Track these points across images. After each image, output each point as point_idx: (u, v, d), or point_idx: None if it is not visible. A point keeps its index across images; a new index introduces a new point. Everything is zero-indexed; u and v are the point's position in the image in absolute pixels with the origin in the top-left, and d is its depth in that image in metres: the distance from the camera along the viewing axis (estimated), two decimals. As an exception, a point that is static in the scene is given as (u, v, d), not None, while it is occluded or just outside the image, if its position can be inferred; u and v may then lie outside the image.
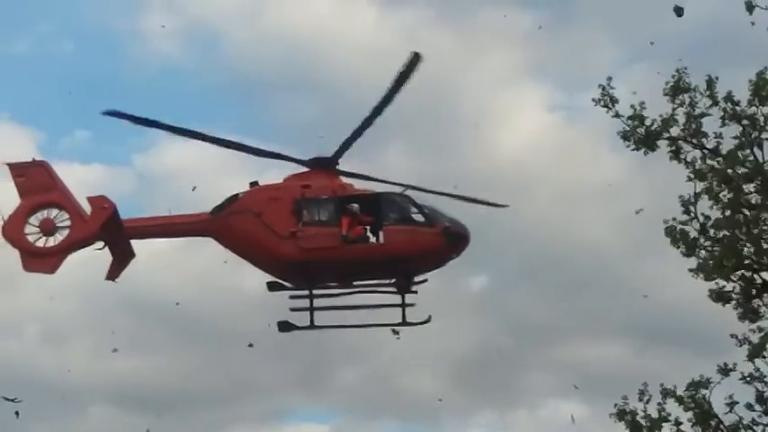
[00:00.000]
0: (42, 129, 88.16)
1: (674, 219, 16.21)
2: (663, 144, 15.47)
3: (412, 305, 28.94)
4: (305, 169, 29.75)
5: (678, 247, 15.77)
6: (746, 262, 15.64)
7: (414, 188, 29.35)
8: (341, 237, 28.43)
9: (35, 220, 29.37)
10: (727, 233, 15.45)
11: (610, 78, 15.48)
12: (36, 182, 29.60)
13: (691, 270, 15.71)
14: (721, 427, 15.54)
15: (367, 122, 28.96)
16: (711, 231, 15.77)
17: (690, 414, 15.57)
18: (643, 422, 15.69)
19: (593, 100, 16.00)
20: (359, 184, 29.96)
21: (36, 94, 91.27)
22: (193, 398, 59.60)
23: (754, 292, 15.75)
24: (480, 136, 67.49)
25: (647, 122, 15.27)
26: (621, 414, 15.54)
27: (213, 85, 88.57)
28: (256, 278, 30.33)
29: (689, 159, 15.35)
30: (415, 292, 28.97)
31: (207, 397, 59.15)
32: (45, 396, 60.48)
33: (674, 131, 15.35)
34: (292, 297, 29.14)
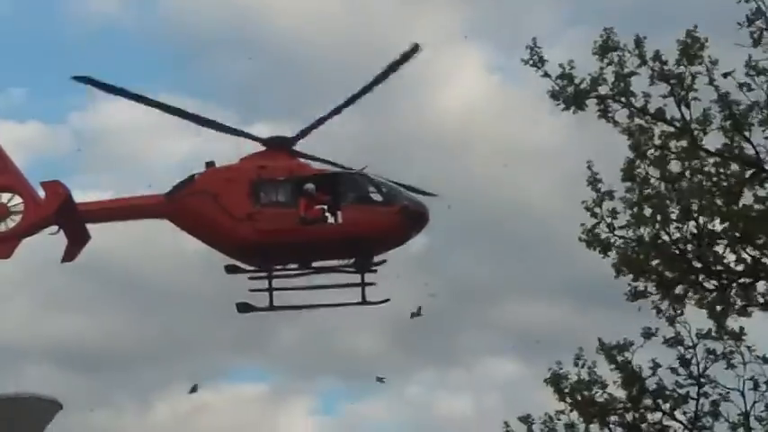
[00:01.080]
0: None
1: (582, 224, 16.55)
2: (591, 103, 15.51)
3: (372, 284, 29.12)
4: (261, 151, 29.90)
5: (595, 250, 16.08)
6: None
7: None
8: (298, 218, 28.53)
9: None
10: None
11: (535, 39, 15.70)
12: None
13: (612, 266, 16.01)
14: (645, 389, 15.81)
15: (339, 108, 29.22)
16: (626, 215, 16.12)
17: (616, 375, 15.73)
18: (572, 385, 15.85)
19: (522, 60, 15.97)
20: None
21: None
22: (130, 357, 59.51)
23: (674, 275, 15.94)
24: (422, 98, 66.87)
25: (577, 81, 15.39)
26: (555, 379, 15.75)
27: (152, 42, 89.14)
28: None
29: (617, 118, 15.51)
30: (375, 272, 29.07)
31: (144, 356, 59.78)
32: None
33: (603, 90, 15.58)
34: (251, 278, 29.19)
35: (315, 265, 29.78)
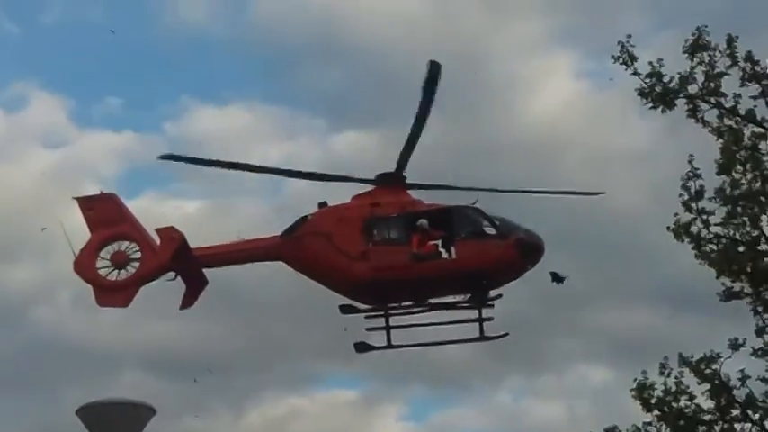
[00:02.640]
0: (73, 96, 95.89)
1: (675, 214, 16.91)
2: (680, 103, 15.62)
3: (490, 319, 29.25)
4: (370, 189, 30.23)
5: (683, 241, 16.10)
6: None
7: (489, 190, 30.06)
8: (412, 254, 28.81)
9: (106, 253, 30.14)
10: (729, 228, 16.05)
11: (629, 36, 15.76)
12: (105, 215, 30.44)
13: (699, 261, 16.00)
14: (735, 400, 15.70)
15: (416, 132, 29.40)
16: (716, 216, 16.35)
17: (705, 386, 15.66)
18: (659, 396, 15.79)
19: (612, 57, 16.34)
20: (427, 194, 30.42)
21: (66, 62, 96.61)
22: (226, 364, 59.59)
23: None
24: (510, 103, 72.62)
25: (666, 80, 15.50)
26: (641, 389, 15.80)
27: (241, 50, 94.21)
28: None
29: (706, 119, 15.53)
30: (492, 306, 29.21)
31: (239, 363, 60.71)
32: (79, 360, 64.70)
33: (693, 90, 15.61)
34: (367, 317, 29.51)
35: (430, 301, 29.88)
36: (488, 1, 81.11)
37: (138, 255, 30.07)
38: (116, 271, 30.06)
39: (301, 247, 29.74)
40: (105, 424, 16.26)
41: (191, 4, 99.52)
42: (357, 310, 29.69)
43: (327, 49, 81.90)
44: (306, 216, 29.99)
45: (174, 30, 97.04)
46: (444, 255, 29.29)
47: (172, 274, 30.35)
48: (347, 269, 29.11)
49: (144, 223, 30.99)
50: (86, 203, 30.73)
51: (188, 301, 30.90)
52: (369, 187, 30.34)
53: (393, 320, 29.51)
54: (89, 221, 30.43)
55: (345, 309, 29.60)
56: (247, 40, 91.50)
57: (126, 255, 30.09)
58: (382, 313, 29.49)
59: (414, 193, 30.15)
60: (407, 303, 29.80)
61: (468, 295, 29.45)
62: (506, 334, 29.47)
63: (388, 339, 29.38)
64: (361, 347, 29.45)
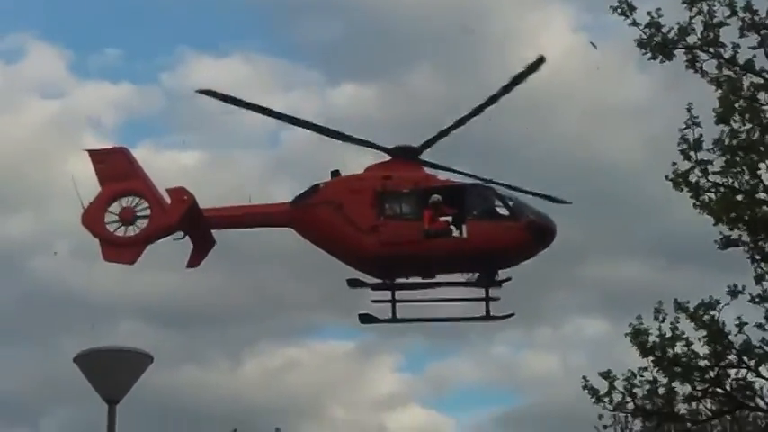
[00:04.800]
0: (71, 47, 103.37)
1: (674, 164, 16.83)
2: (679, 54, 16.04)
3: (497, 299, 29.60)
4: (386, 160, 30.53)
5: (682, 191, 16.44)
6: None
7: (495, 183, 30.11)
8: (423, 231, 29.16)
9: (115, 208, 30.40)
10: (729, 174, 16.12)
11: None
12: (116, 169, 30.70)
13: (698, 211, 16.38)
14: (732, 346, 16.00)
15: (464, 119, 29.74)
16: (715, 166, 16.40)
17: (701, 332, 16.00)
18: (654, 341, 16.07)
19: (611, 7, 16.28)
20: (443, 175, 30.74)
21: (64, 13, 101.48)
22: (224, 315, 62.30)
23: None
24: (508, 57, 70.49)
25: (664, 31, 15.95)
26: (636, 334, 16.08)
27: (240, 3, 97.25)
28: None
29: (705, 69, 15.94)
30: (500, 287, 29.60)
31: (236, 314, 62.87)
32: (77, 310, 65.17)
33: (692, 40, 16.00)
34: (374, 289, 29.88)
35: (438, 278, 30.18)
36: None
37: (148, 212, 30.38)
38: (123, 227, 30.46)
39: (311, 216, 30.08)
40: (103, 371, 16.45)
41: None
42: (364, 284, 29.94)
43: (326, 2, 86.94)
44: (318, 185, 30.32)
45: None
46: (455, 233, 29.50)
47: (180, 233, 30.66)
48: (356, 242, 29.46)
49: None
50: (98, 156, 31.08)
51: (195, 260, 31.26)
52: (379, 155, 30.86)
53: (398, 294, 29.71)
54: (100, 175, 30.67)
55: (353, 282, 29.88)
56: None
57: (134, 211, 30.37)
58: (389, 287, 29.74)
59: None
60: (415, 279, 30.09)
61: (477, 274, 29.82)
62: (512, 314, 29.83)
63: (393, 313, 29.59)
64: (366, 319, 29.88)
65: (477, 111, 29.67)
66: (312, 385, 78.94)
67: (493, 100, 29.61)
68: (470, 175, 30.48)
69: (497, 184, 30.21)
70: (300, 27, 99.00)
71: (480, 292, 29.79)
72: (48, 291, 74.18)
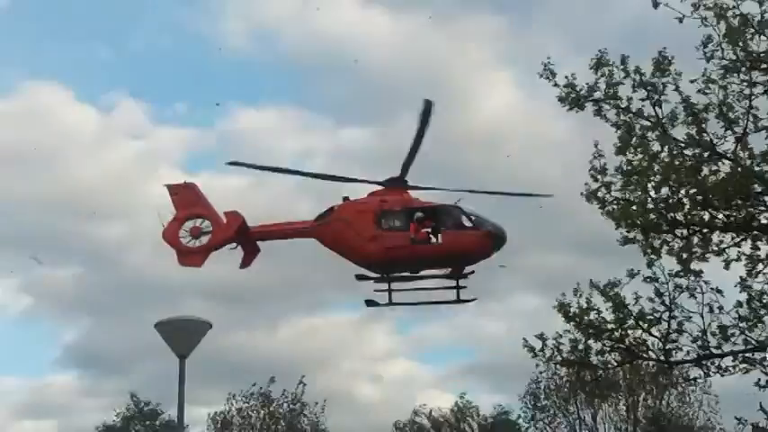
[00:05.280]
0: (151, 101, 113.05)
1: (586, 184, 16.51)
2: (589, 106, 16.04)
3: (464, 287, 29.34)
4: (380, 188, 30.16)
5: (592, 203, 16.26)
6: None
7: (470, 191, 29.89)
8: (410, 239, 28.86)
9: (186, 227, 30.27)
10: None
11: (549, 57, 16.02)
12: (187, 198, 30.55)
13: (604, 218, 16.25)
14: (630, 314, 15.96)
15: (415, 147, 29.21)
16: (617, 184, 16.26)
17: (609, 304, 15.89)
18: (575, 311, 15.97)
19: (538, 74, 16.06)
20: (422, 193, 30.40)
21: (146, 76, 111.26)
22: (263, 295, 68.02)
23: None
24: (467, 107, 78.11)
25: (578, 89, 15.96)
26: (561, 306, 15.97)
27: (272, 68, 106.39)
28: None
29: (608, 116, 15.97)
30: (466, 278, 29.34)
31: (273, 294, 67.83)
32: (157, 292, 67.65)
33: (597, 95, 15.99)
34: (376, 281, 29.67)
35: (421, 273, 29.89)
36: (451, 34, 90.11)
37: (210, 229, 30.24)
38: (193, 240, 30.36)
39: (329, 230, 29.89)
40: (175, 334, 16.39)
41: (237, 36, 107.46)
42: (368, 278, 29.71)
43: (335, 68, 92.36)
44: (333, 207, 30.12)
45: (226, 54, 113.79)
46: (433, 240, 29.21)
47: (234, 244, 30.53)
48: (362, 248, 29.17)
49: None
50: (173, 189, 30.95)
51: (245, 263, 31.09)
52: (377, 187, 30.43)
53: (393, 285, 29.41)
54: (175, 203, 30.48)
55: (359, 277, 29.69)
56: (277, 61, 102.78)
57: (200, 228, 30.21)
58: (386, 280, 29.44)
59: (412, 193, 30.30)
60: (405, 274, 29.84)
61: (449, 269, 29.59)
62: (476, 299, 29.79)
63: (390, 299, 29.39)
64: (370, 303, 29.64)
65: (419, 139, 29.21)
66: (327, 345, 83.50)
67: (422, 131, 29.22)
68: (445, 189, 30.24)
69: (489, 192, 30.47)
70: (316, 86, 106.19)
71: (452, 282, 29.55)
72: (134, 276, 78.42)
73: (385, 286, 29.43)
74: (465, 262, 29.26)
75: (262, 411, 56.02)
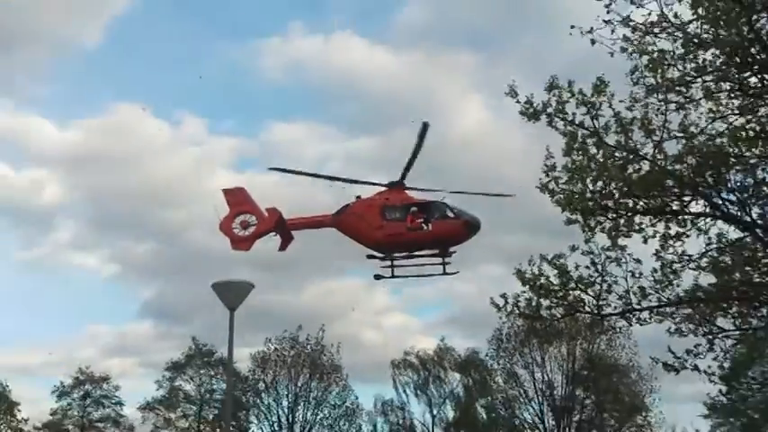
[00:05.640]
0: (207, 117, 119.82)
1: (540, 178, 16.20)
2: (543, 118, 15.97)
3: (449, 263, 29.64)
4: (384, 189, 30.63)
5: (545, 194, 15.98)
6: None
7: (452, 192, 30.14)
8: (407, 227, 29.29)
9: (237, 221, 30.84)
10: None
11: (514, 80, 15.91)
12: (237, 199, 31.12)
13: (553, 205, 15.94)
14: (571, 278, 15.75)
15: (412, 157, 29.56)
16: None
17: (555, 271, 15.75)
18: (529, 277, 15.84)
19: (505, 93, 15.71)
20: (417, 192, 30.73)
21: (202, 98, 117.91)
22: (293, 263, 69.04)
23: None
24: (448, 122, 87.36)
25: (535, 106, 15.88)
26: (519, 273, 15.94)
27: (300, 93, 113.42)
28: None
29: (557, 126, 15.84)
30: (450, 256, 29.47)
31: (301, 263, 66.11)
32: (212, 262, 65.82)
33: (549, 110, 15.85)
34: (382, 260, 29.90)
35: (416, 253, 30.20)
36: (437, 66, 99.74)
37: (255, 222, 30.60)
38: (242, 230, 30.60)
39: (346, 221, 30.33)
40: (227, 292, 16.43)
41: (274, 70, 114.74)
42: (376, 257, 30.00)
43: (347, 93, 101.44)
44: (348, 204, 30.51)
45: (266, 83, 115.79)
46: (425, 228, 29.53)
47: (274, 233, 30.83)
48: (371, 234, 29.63)
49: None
50: (227, 192, 31.46)
51: (283, 247, 31.68)
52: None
53: (395, 263, 29.88)
54: (228, 202, 31.09)
55: (369, 256, 30.10)
56: (304, 88, 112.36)
57: (248, 222, 30.77)
58: (390, 259, 29.85)
59: (409, 192, 30.53)
60: (404, 254, 30.02)
61: (438, 250, 29.74)
62: (458, 272, 29.98)
63: (392, 272, 29.79)
64: (378, 277, 30.17)
65: (416, 152, 29.60)
66: (340, 302, 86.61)
67: (419, 146, 29.58)
68: (433, 191, 30.40)
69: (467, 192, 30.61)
70: (333, 106, 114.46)
71: (439, 260, 29.72)
72: (195, 250, 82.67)
73: (388, 263, 29.77)
74: (449, 244, 29.62)
75: (291, 351, 57.56)
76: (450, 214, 29.32)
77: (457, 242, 29.51)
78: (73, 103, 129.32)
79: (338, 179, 31.22)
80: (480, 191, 30.81)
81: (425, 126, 29.26)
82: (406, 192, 30.30)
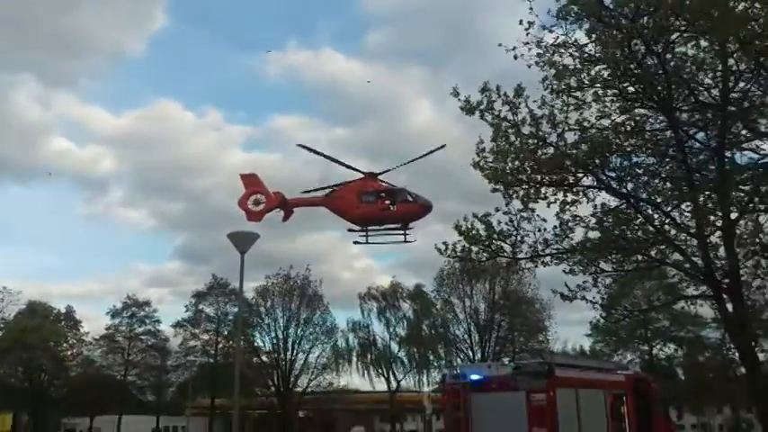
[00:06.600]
0: (224, 110, 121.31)
1: (473, 158, 15.73)
2: (477, 113, 15.73)
3: (408, 233, 28.99)
4: (362, 176, 29.60)
5: (477, 170, 15.68)
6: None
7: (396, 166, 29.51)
8: (378, 208, 28.78)
9: (251, 199, 29.71)
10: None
11: (457, 84, 15.68)
12: (252, 182, 30.08)
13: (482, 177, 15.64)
14: (495, 231, 15.53)
15: (396, 167, 29.22)
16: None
17: (483, 226, 15.55)
18: (464, 230, 15.54)
19: (450, 93, 15.40)
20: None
21: (224, 95, 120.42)
22: (291, 226, 65.57)
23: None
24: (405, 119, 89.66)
25: (471, 103, 15.64)
26: (457, 228, 15.71)
27: (295, 92, 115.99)
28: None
29: (487, 119, 15.60)
30: (411, 230, 29.14)
31: (297, 226, 72.24)
32: (229, 220, 70.85)
33: (481, 107, 15.47)
34: (359, 232, 29.27)
35: (384, 226, 29.54)
36: (396, 75, 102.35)
37: (264, 201, 29.91)
38: (255, 206, 29.99)
39: (332, 202, 29.57)
40: (239, 239, 16.06)
41: (276, 74, 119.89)
42: (354, 230, 29.46)
43: (330, 93, 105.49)
44: (333, 188, 29.92)
45: (270, 78, 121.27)
46: (391, 209, 29.06)
47: (278, 209, 30.19)
48: (352, 212, 29.02)
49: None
50: (244, 176, 30.48)
51: (285, 219, 30.59)
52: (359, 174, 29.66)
53: (369, 233, 29.18)
54: (245, 184, 30.05)
55: (350, 230, 29.50)
56: (299, 89, 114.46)
57: (259, 200, 29.75)
58: (365, 231, 29.26)
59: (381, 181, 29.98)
60: (376, 227, 29.60)
61: (400, 225, 29.40)
62: (415, 240, 29.60)
63: (367, 240, 29.15)
64: (356, 242, 29.45)
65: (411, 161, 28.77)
66: (324, 250, 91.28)
67: (418, 158, 28.73)
68: (395, 186, 29.30)
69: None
70: (319, 102, 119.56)
71: (401, 232, 29.24)
72: (216, 209, 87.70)
73: (364, 234, 29.39)
74: (409, 221, 28.96)
75: (285, 285, 58.23)
76: (410, 198, 28.85)
77: (415, 219, 29.03)
78: (123, 97, 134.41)
79: (341, 163, 29.84)
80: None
81: (439, 148, 28.05)
82: (378, 181, 29.86)
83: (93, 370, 62.26)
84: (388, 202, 28.96)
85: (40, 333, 56.86)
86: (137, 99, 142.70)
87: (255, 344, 58.61)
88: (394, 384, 58.39)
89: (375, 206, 28.81)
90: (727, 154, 15.19)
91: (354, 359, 58.95)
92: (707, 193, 15.11)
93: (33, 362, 58.00)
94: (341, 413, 60.00)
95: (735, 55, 14.39)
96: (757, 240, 14.69)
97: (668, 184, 15.92)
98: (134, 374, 63.26)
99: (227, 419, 52.85)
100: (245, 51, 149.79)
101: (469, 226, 15.64)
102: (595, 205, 15.76)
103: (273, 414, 58.73)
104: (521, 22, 14.60)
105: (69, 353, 62.36)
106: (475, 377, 15.50)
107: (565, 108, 15.39)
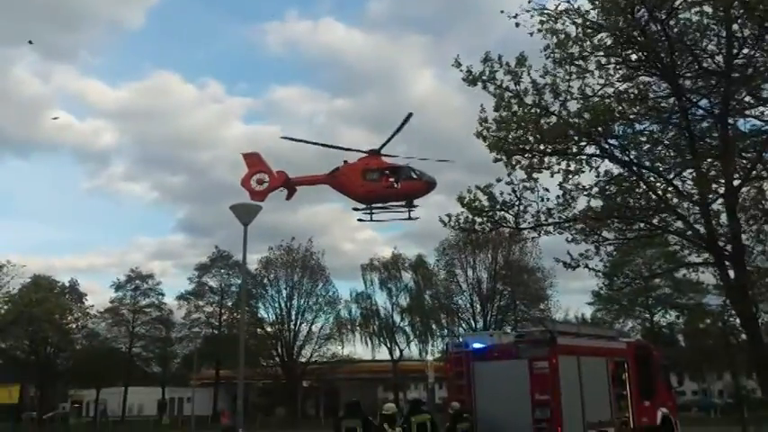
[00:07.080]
0: (224, 82, 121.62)
1: (476, 128, 15.62)
2: (479, 83, 15.69)
3: (413, 211, 29.26)
4: (365, 155, 29.83)
5: (479, 139, 15.60)
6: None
7: (412, 158, 29.60)
8: (382, 186, 28.86)
9: (254, 179, 29.98)
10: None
11: (458, 54, 15.53)
12: (254, 161, 30.18)
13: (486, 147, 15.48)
14: (497, 201, 15.51)
15: (391, 137, 29.20)
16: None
17: (485, 197, 15.50)
18: (467, 201, 15.47)
19: (452, 65, 15.17)
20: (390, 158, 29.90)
21: (225, 68, 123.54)
22: (294, 202, 64.68)
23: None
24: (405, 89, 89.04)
25: (473, 73, 15.56)
26: (460, 198, 15.77)
27: (295, 63, 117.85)
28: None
29: (490, 90, 15.44)
30: (415, 207, 29.27)
31: (301, 200, 68.42)
32: (233, 193, 72.21)
33: (484, 77, 15.35)
34: (363, 209, 29.54)
35: (389, 204, 29.70)
36: (396, 44, 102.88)
37: (267, 180, 30.04)
38: (258, 186, 30.08)
39: (336, 180, 29.67)
40: (242, 211, 15.94)
41: (276, 45, 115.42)
42: (359, 209, 29.63)
43: (330, 63, 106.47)
44: (338, 167, 29.95)
45: (270, 54, 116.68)
46: (395, 186, 29.13)
47: (282, 188, 30.35)
48: (355, 190, 29.14)
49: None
50: (246, 156, 30.48)
51: (288, 197, 30.81)
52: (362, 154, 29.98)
53: (374, 211, 29.43)
54: (247, 164, 30.16)
55: (355, 208, 29.67)
56: (298, 59, 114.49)
57: (263, 180, 29.87)
58: (369, 208, 29.45)
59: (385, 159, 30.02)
60: (380, 204, 29.71)
61: (404, 202, 29.51)
62: (419, 217, 29.76)
63: (371, 217, 29.40)
64: (360, 220, 29.74)
65: (395, 133, 28.80)
66: (327, 222, 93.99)
67: (398, 131, 28.77)
68: (402, 157, 29.68)
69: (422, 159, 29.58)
70: (319, 73, 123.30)
71: (405, 209, 29.40)
72: (217, 182, 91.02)
73: (368, 211, 29.55)
74: (413, 198, 29.11)
75: (288, 256, 59.11)
76: (414, 175, 28.85)
77: (419, 196, 29.14)
78: (122, 70, 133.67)
79: (333, 147, 30.44)
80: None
81: (409, 115, 28.84)
82: (381, 158, 29.92)
83: (98, 342, 62.87)
84: (392, 179, 29.05)
85: (45, 306, 57.02)
86: (136, 71, 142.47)
87: (259, 315, 59.34)
88: (397, 353, 59.02)
89: (379, 184, 28.86)
90: (731, 121, 15.11)
91: (357, 329, 59.69)
92: (710, 160, 15.12)
93: (39, 334, 58.58)
94: (344, 382, 60.67)
95: (739, 21, 14.27)
96: (760, 206, 14.75)
97: (671, 152, 15.84)
98: (139, 346, 63.76)
99: (233, 390, 53.95)
100: (245, 23, 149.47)
101: (472, 197, 15.53)
102: (598, 173, 15.61)
103: (278, 384, 59.68)
104: (523, -12, 14.49)
105: (74, 326, 62.73)
106: (478, 345, 15.68)
107: (567, 77, 15.25)
